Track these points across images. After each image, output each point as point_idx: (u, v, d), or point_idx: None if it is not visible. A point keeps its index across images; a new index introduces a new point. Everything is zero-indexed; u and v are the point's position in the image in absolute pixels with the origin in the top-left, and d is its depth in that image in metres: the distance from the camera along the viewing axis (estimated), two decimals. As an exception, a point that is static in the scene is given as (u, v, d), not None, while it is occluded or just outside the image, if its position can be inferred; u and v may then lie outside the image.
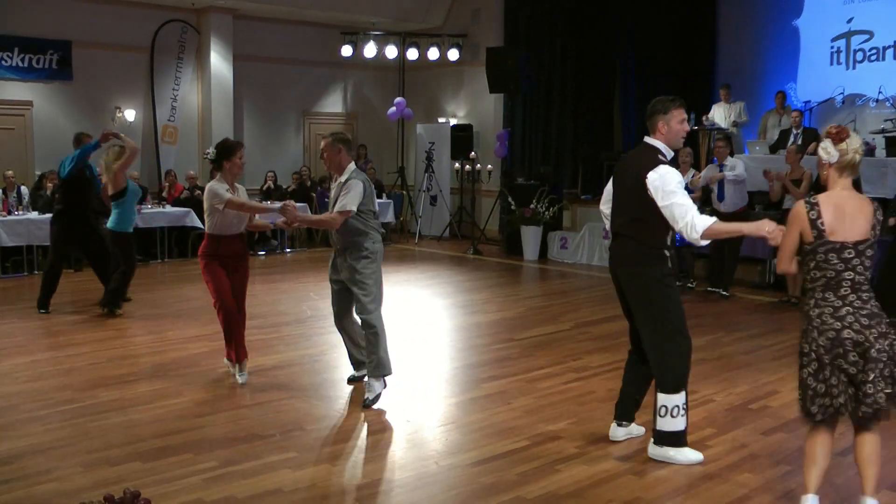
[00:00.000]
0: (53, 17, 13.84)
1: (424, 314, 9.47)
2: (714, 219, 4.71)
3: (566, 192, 14.73)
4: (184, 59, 15.27)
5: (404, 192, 17.12)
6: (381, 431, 5.60)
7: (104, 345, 7.89)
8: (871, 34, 12.84)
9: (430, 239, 16.39)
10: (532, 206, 13.67)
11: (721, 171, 10.26)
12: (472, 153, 15.67)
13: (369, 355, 6.09)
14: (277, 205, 6.49)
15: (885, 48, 12.70)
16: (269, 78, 16.54)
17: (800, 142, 11.48)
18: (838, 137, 4.06)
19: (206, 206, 6.47)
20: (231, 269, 6.54)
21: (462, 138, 16.14)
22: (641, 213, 4.89)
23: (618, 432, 5.36)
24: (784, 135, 12.13)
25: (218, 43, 15.33)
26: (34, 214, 11.86)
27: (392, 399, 6.26)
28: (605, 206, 5.34)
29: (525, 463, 4.96)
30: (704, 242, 4.73)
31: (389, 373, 6.14)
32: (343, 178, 6.03)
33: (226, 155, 6.48)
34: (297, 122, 17.23)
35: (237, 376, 6.62)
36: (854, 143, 4.07)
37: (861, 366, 3.91)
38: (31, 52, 13.68)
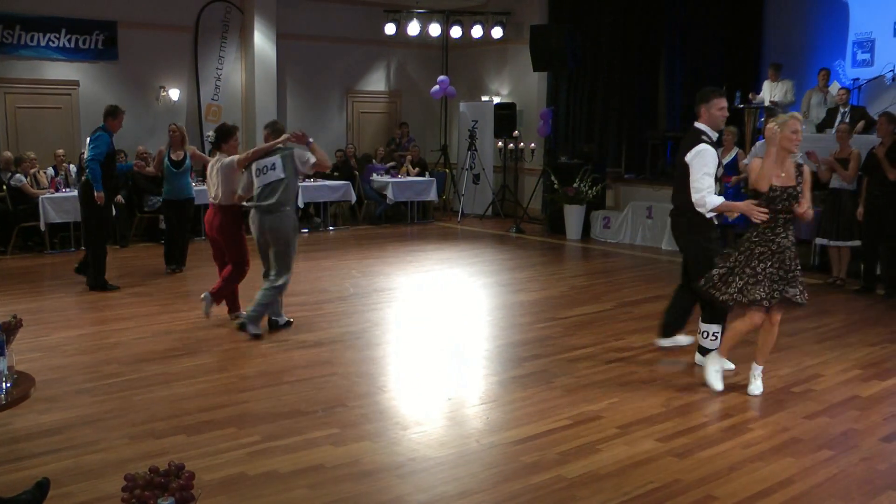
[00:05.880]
0: (99, -3, 14.02)
1: (467, 292, 9.46)
2: (721, 199, 5.97)
3: (609, 171, 14.58)
4: (227, 38, 15.35)
5: (447, 171, 17.13)
6: (422, 409, 5.62)
7: (149, 320, 8.01)
8: None
9: (472, 217, 16.35)
10: (575, 185, 13.56)
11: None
12: (516, 132, 15.57)
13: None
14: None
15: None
16: (313, 56, 16.57)
17: (847, 120, 11.14)
18: None
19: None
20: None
21: (505, 116, 16.07)
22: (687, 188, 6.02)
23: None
24: (831, 113, 11.83)
25: (261, 22, 15.35)
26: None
27: (434, 377, 6.29)
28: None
29: (566, 442, 4.95)
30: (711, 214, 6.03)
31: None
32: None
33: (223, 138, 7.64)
34: (341, 101, 17.25)
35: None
36: None
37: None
38: (77, 32, 13.84)
